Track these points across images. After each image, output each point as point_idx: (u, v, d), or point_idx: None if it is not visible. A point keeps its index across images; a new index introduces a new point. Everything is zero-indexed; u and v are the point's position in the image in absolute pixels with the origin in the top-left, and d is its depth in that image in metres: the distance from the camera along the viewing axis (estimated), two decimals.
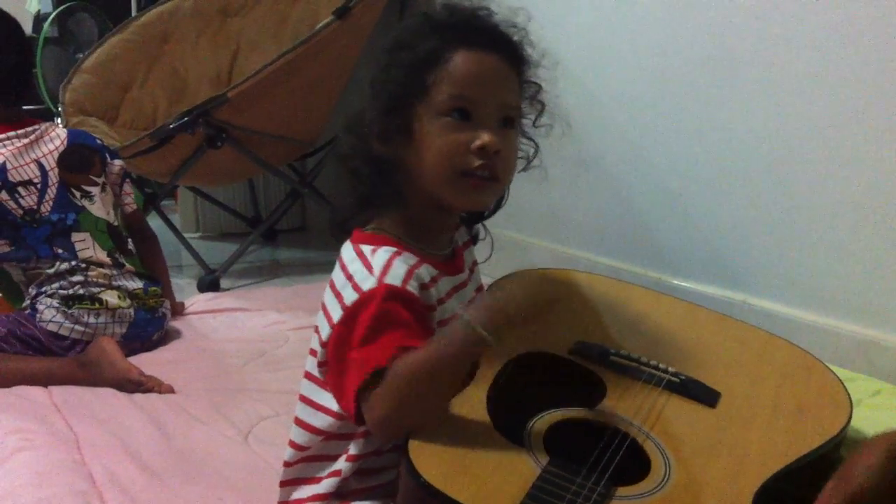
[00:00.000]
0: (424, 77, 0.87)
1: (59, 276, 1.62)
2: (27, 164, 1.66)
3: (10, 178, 1.63)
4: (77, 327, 1.59)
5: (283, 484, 0.93)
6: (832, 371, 1.02)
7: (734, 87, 1.65)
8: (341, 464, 0.87)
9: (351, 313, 0.83)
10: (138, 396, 1.43)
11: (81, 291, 1.61)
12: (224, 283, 2.27)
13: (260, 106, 2.23)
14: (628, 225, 1.94)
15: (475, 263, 1.02)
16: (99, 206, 1.72)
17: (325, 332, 0.86)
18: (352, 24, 2.22)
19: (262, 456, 1.20)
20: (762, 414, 0.92)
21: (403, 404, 0.79)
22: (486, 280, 1.11)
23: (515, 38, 0.92)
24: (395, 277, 0.84)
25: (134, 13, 3.06)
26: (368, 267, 0.86)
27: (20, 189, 1.63)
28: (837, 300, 1.51)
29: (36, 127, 1.73)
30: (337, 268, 0.90)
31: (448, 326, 0.82)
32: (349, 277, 0.86)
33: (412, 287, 0.85)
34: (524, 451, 0.80)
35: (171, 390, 1.46)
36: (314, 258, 2.71)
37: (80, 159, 1.74)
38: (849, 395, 0.96)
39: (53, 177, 1.68)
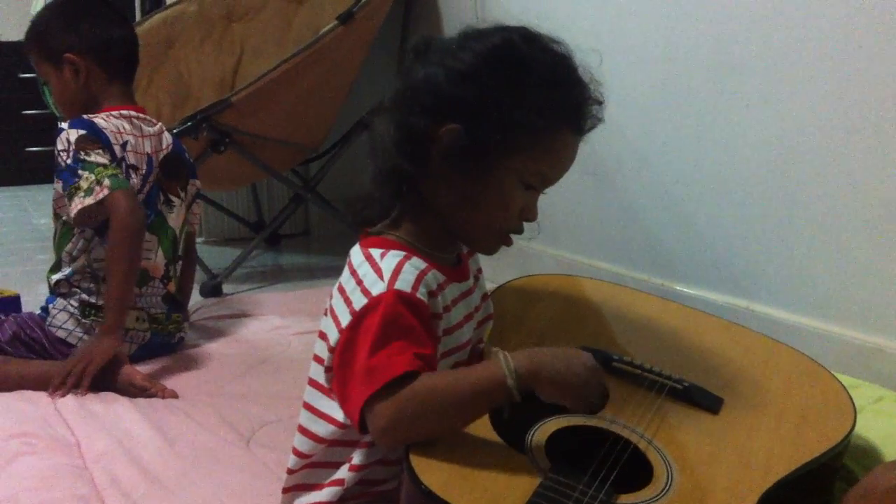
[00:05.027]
0: (527, 140, 0.86)
1: (94, 277, 1.60)
2: (141, 153, 1.63)
3: (128, 160, 1.59)
4: (86, 337, 1.57)
5: (285, 490, 0.93)
6: (836, 378, 1.02)
7: (738, 94, 1.65)
8: (344, 472, 0.87)
9: (359, 317, 0.83)
10: (141, 401, 1.42)
11: (101, 302, 1.57)
12: (226, 287, 2.27)
13: (264, 111, 2.23)
14: (631, 231, 1.93)
15: (479, 271, 1.02)
16: (174, 218, 1.70)
17: (334, 337, 0.86)
18: (355, 29, 2.22)
19: (263, 461, 1.20)
20: (766, 421, 0.92)
21: (413, 422, 0.78)
22: (490, 286, 1.11)
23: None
24: (405, 283, 0.84)
25: (138, 18, 3.07)
26: (378, 271, 0.85)
27: (131, 172, 1.60)
28: (841, 307, 1.51)
29: (158, 123, 1.71)
30: (346, 271, 0.90)
31: (484, 364, 0.82)
32: (359, 282, 0.86)
33: (421, 294, 0.84)
34: (526, 458, 0.80)
35: (174, 395, 1.46)
36: (317, 263, 2.71)
37: (176, 169, 1.73)
38: (853, 401, 0.96)
39: (153, 176, 1.65)
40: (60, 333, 1.57)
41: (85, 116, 1.58)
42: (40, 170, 3.61)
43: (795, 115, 1.55)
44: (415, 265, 0.86)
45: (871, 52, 1.41)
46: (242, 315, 1.96)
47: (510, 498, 0.74)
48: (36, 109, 3.41)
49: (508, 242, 0.92)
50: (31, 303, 1.79)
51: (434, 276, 0.88)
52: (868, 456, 1.03)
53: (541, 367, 0.79)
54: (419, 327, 0.82)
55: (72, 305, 1.58)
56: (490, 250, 0.94)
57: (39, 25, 1.66)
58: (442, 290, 0.89)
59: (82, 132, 1.54)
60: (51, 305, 1.60)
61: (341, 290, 0.88)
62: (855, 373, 1.35)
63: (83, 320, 1.58)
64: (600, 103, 0.92)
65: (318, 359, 0.90)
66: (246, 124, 2.22)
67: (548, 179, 0.90)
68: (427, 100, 0.86)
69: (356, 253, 0.90)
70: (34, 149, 3.60)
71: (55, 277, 1.61)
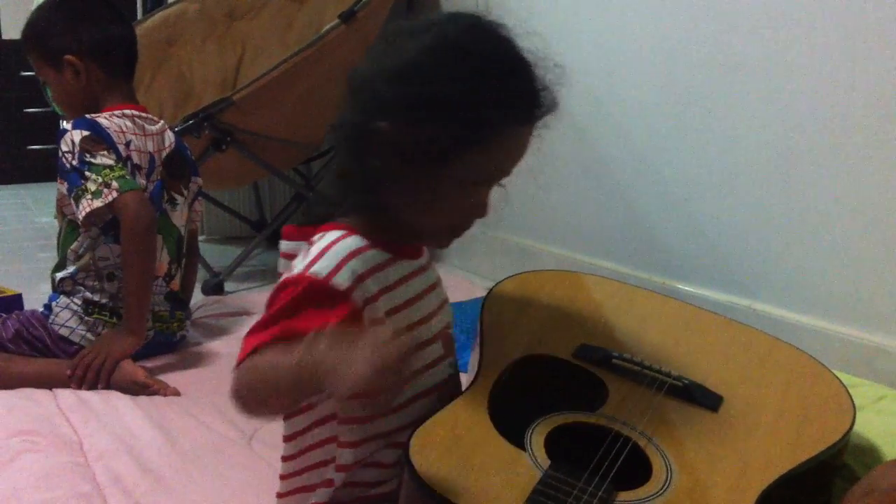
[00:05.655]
0: (471, 137, 0.80)
1: (99, 275, 1.60)
2: (144, 152, 1.63)
3: (132, 159, 1.59)
4: (89, 335, 1.57)
5: (280, 496, 0.94)
6: (836, 376, 1.02)
7: (740, 93, 1.65)
8: (331, 473, 0.87)
9: (275, 291, 0.81)
10: (142, 399, 1.43)
11: (105, 301, 1.58)
12: (228, 286, 2.27)
13: (265, 109, 2.23)
14: (633, 229, 1.93)
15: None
16: (178, 216, 1.71)
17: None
18: (357, 28, 2.22)
19: (265, 458, 1.20)
20: (765, 419, 0.92)
21: (248, 394, 0.77)
22: (487, 284, 1.11)
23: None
24: (324, 267, 0.80)
25: (140, 16, 3.07)
26: (308, 253, 0.83)
27: (135, 172, 1.59)
28: (842, 306, 1.51)
29: (160, 121, 1.71)
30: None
31: (308, 341, 0.72)
32: (287, 256, 0.85)
33: (341, 278, 0.80)
34: (526, 455, 0.80)
35: (176, 393, 1.47)
36: None
37: (179, 167, 1.73)
38: (852, 400, 0.96)
39: (156, 174, 1.65)
40: (63, 332, 1.57)
41: (88, 116, 1.58)
42: (42, 168, 3.61)
43: (796, 114, 1.54)
44: (347, 245, 0.83)
45: (873, 50, 1.41)
46: (244, 313, 1.96)
47: (510, 495, 0.74)
48: (37, 107, 3.41)
49: (458, 235, 0.88)
50: (34, 301, 1.79)
51: (373, 256, 0.84)
52: (869, 454, 1.03)
53: (323, 359, 0.70)
54: (318, 314, 0.78)
55: (75, 303, 1.58)
56: (436, 245, 0.91)
57: (37, 26, 1.65)
58: (382, 269, 0.85)
59: (86, 133, 1.54)
60: (54, 303, 1.60)
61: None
62: (856, 372, 1.35)
63: (86, 318, 1.58)
64: (547, 89, 0.83)
65: None
66: (248, 123, 2.22)
67: (497, 175, 0.85)
68: (361, 97, 0.83)
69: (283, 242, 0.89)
70: (36, 147, 3.60)
71: (60, 275, 1.61)
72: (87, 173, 1.50)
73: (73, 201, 1.53)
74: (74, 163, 1.52)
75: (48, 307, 1.61)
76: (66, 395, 1.43)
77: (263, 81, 2.15)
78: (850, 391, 1.00)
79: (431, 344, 0.90)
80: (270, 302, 0.81)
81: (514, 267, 1.19)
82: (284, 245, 0.89)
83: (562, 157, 2.06)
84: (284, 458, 0.92)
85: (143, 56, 2.72)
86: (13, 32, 3.42)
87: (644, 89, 1.86)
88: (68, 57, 1.59)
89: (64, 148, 1.54)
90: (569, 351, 1.00)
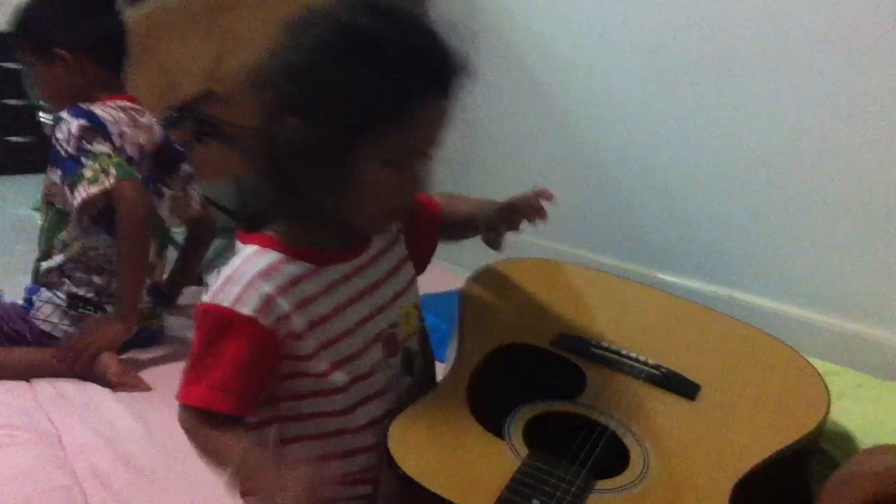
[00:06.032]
0: (379, 120, 0.78)
1: (87, 267, 1.58)
2: (135, 144, 1.62)
3: (125, 150, 1.58)
4: (71, 329, 1.55)
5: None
6: (812, 365, 1.02)
7: (726, 85, 1.65)
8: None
9: (195, 317, 0.84)
10: (122, 392, 1.42)
11: (90, 295, 1.57)
12: (211, 277, 2.25)
13: (249, 101, 2.22)
14: (615, 220, 1.94)
15: (396, 238, 0.94)
16: (163, 207, 1.70)
17: None
18: None
19: None
20: (742, 407, 0.92)
21: (189, 438, 0.85)
22: (466, 274, 1.11)
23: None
24: (229, 294, 0.81)
25: (121, 8, 3.05)
26: (224, 275, 0.83)
27: (130, 163, 1.58)
28: (822, 294, 1.52)
29: (146, 112, 1.70)
30: None
31: (242, 444, 0.80)
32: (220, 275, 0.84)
33: (246, 306, 0.80)
34: (504, 444, 0.80)
35: (147, 388, 1.44)
36: None
37: (166, 158, 1.72)
38: (827, 388, 0.97)
39: (146, 166, 1.64)
40: (45, 326, 1.55)
41: (82, 105, 1.56)
42: (20, 159, 3.58)
43: (778, 106, 1.55)
44: (256, 266, 0.82)
45: (867, 43, 1.42)
46: None
47: (488, 483, 0.74)
48: (16, 99, 3.38)
49: (396, 217, 0.88)
50: (10, 294, 1.76)
51: (287, 272, 0.83)
52: (848, 441, 1.03)
53: (253, 479, 0.79)
54: (231, 342, 0.81)
55: (58, 297, 1.56)
56: (379, 231, 0.89)
57: (28, 19, 1.63)
58: (296, 284, 0.83)
59: (83, 121, 1.52)
60: (35, 297, 1.58)
61: None
62: (835, 359, 1.36)
63: (70, 312, 1.56)
64: (453, 54, 0.80)
65: None
66: (231, 115, 2.21)
67: (422, 150, 0.82)
68: (263, 96, 0.81)
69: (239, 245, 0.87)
70: (14, 138, 3.56)
71: (45, 265, 1.60)
72: (83, 160, 1.49)
73: (67, 189, 1.51)
74: (70, 150, 1.50)
75: (29, 301, 1.59)
76: (45, 389, 1.42)
77: (247, 73, 2.14)
78: (830, 378, 1.00)
79: (366, 352, 0.87)
80: (195, 327, 0.84)
81: (497, 257, 1.18)
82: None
83: (546, 148, 2.06)
84: None
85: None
86: None
87: (629, 81, 1.86)
88: (59, 51, 1.58)
89: (59, 135, 1.52)
90: (547, 340, 1.00)
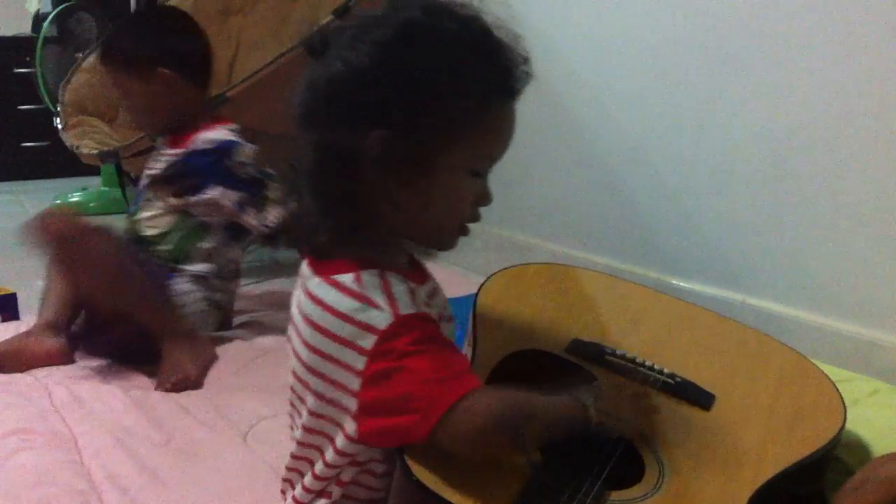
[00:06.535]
0: (465, 125, 0.77)
1: (223, 275, 1.68)
2: None
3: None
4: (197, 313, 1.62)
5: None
6: (827, 376, 1.02)
7: (734, 86, 1.65)
8: (332, 486, 0.87)
9: (379, 353, 0.76)
10: (138, 396, 1.42)
11: (221, 298, 1.68)
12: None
13: (259, 105, 2.22)
14: (627, 224, 1.93)
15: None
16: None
17: (354, 382, 0.78)
18: None
19: (260, 455, 1.21)
20: (757, 419, 0.92)
21: (496, 427, 0.74)
22: (481, 279, 1.11)
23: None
24: (405, 304, 0.78)
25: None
26: (366, 300, 0.78)
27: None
28: (836, 300, 1.51)
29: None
30: (316, 309, 0.81)
31: (570, 398, 0.80)
32: (347, 319, 0.78)
33: (421, 305, 0.80)
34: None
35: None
36: None
37: None
38: (843, 401, 0.96)
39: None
40: (179, 300, 1.60)
41: (230, 129, 1.65)
42: (36, 165, 3.60)
43: (791, 108, 1.55)
44: (397, 284, 0.80)
45: (870, 43, 1.41)
46: (240, 311, 1.96)
47: (501, 492, 0.74)
48: (32, 104, 3.40)
49: (466, 232, 0.86)
50: (28, 298, 1.78)
51: (418, 290, 0.82)
52: (862, 448, 1.03)
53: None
54: (441, 335, 0.80)
55: (198, 294, 1.63)
56: (450, 246, 0.87)
57: (124, 38, 1.67)
58: (425, 300, 0.84)
59: (252, 145, 1.61)
60: (176, 285, 1.62)
61: (326, 333, 0.80)
62: (850, 366, 1.36)
63: (200, 310, 1.63)
64: (526, 59, 0.80)
65: (313, 412, 0.85)
66: (242, 119, 2.21)
67: (494, 158, 0.82)
68: (339, 109, 0.78)
69: (320, 286, 0.82)
70: (30, 144, 3.59)
71: (191, 269, 1.64)
72: (267, 182, 1.58)
73: (248, 209, 1.59)
74: (253, 173, 1.59)
75: (172, 277, 1.62)
76: (60, 393, 1.43)
77: (257, 77, 2.15)
78: (845, 385, 1.00)
79: None
80: (385, 351, 0.76)
81: (507, 262, 1.18)
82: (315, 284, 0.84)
83: (556, 151, 2.06)
84: (308, 490, 0.89)
85: None
86: (7, 29, 3.41)
87: (639, 83, 1.86)
88: (162, 70, 1.61)
89: (240, 158, 1.60)
90: (562, 346, 1.00)
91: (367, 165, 0.78)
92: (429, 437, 0.74)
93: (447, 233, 0.85)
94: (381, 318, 0.77)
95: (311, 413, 0.85)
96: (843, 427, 0.91)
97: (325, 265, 0.83)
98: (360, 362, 0.77)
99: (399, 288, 0.80)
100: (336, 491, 0.86)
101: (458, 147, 0.78)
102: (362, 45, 0.77)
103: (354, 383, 0.78)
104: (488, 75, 0.78)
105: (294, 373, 0.88)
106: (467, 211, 0.83)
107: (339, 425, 0.82)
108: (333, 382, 0.81)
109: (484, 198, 0.84)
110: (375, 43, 0.77)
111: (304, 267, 0.87)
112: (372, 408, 0.78)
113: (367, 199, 0.80)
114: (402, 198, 0.80)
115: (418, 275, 0.88)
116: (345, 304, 0.79)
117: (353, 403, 0.79)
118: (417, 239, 0.86)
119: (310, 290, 0.84)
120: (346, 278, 0.80)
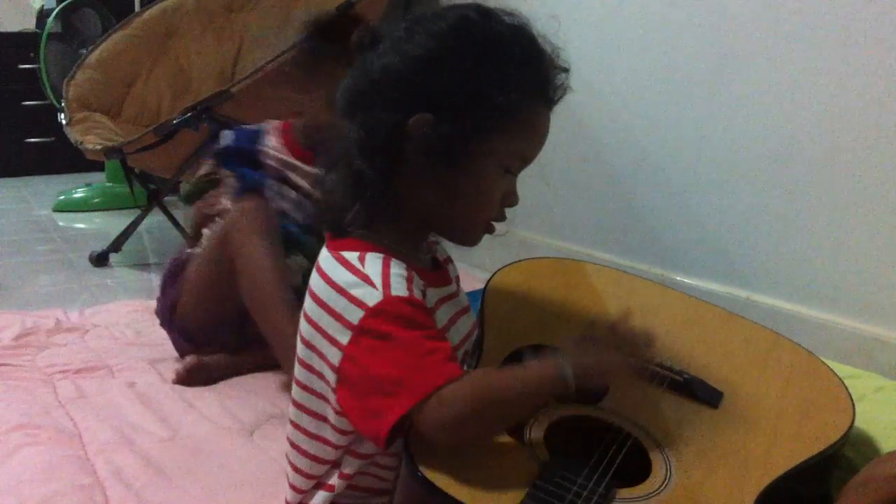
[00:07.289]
0: (503, 120, 0.81)
1: None
2: None
3: None
4: None
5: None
6: (836, 374, 1.01)
7: (738, 85, 1.64)
8: (334, 479, 0.87)
9: (362, 330, 0.78)
10: (143, 390, 1.42)
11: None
12: None
13: (263, 102, 2.23)
14: (632, 221, 1.93)
15: (457, 278, 0.99)
16: None
17: (336, 356, 0.80)
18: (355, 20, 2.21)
19: (267, 452, 1.21)
20: (766, 417, 0.91)
21: (471, 417, 0.75)
22: (487, 276, 1.11)
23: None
24: (399, 287, 0.79)
25: (137, 9, 3.06)
26: (364, 277, 0.80)
27: None
28: (841, 297, 1.51)
29: None
30: (320, 282, 0.84)
31: (541, 362, 0.78)
32: (342, 291, 0.80)
33: (417, 294, 0.81)
34: (525, 449, 0.80)
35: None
36: None
37: None
38: (851, 399, 0.96)
39: None
40: None
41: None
42: (40, 161, 3.60)
43: (796, 107, 1.54)
44: (398, 269, 0.81)
45: (873, 43, 1.41)
46: None
47: (509, 488, 0.74)
48: (36, 100, 3.40)
49: (492, 230, 0.88)
50: (31, 295, 1.77)
51: (417, 279, 0.83)
52: (867, 445, 1.03)
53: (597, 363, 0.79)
54: (431, 323, 0.80)
55: None
56: (474, 241, 0.89)
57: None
58: (423, 293, 0.84)
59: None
60: None
61: (323, 305, 0.82)
62: (855, 363, 1.35)
63: None
64: (566, 71, 0.86)
65: (302, 385, 0.87)
66: (246, 115, 2.21)
67: (526, 159, 0.86)
68: (390, 93, 0.81)
69: (327, 260, 0.84)
70: (34, 140, 3.59)
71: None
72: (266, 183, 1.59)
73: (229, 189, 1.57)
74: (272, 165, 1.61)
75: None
76: (65, 388, 1.43)
77: (261, 73, 2.15)
78: (850, 382, 1.00)
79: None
80: (359, 338, 0.78)
81: (511, 259, 1.18)
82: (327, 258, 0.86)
83: (561, 149, 2.05)
84: (303, 473, 0.91)
85: (141, 49, 2.72)
86: (11, 25, 3.41)
87: (644, 82, 1.86)
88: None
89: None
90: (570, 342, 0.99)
91: (409, 147, 0.81)
92: (402, 422, 0.75)
93: (473, 227, 0.87)
94: (372, 296, 0.79)
95: (299, 384, 0.88)
96: (852, 425, 0.91)
97: (338, 242, 0.86)
98: (345, 336, 0.79)
99: (397, 272, 0.81)
100: (340, 483, 0.86)
101: (496, 139, 0.82)
102: (417, 35, 0.82)
103: (336, 357, 0.80)
104: (531, 77, 0.83)
105: (297, 355, 0.90)
106: (495, 207, 0.86)
107: (326, 400, 0.84)
108: (321, 355, 0.83)
109: (512, 196, 0.87)
110: (430, 34, 0.82)
111: (324, 247, 0.89)
112: (350, 383, 0.80)
113: (402, 181, 0.83)
114: (436, 184, 0.83)
115: (437, 276, 0.90)
116: (343, 277, 0.82)
117: (333, 379, 0.81)
118: (443, 230, 0.89)
119: (318, 263, 0.86)
120: (352, 255, 0.83)
